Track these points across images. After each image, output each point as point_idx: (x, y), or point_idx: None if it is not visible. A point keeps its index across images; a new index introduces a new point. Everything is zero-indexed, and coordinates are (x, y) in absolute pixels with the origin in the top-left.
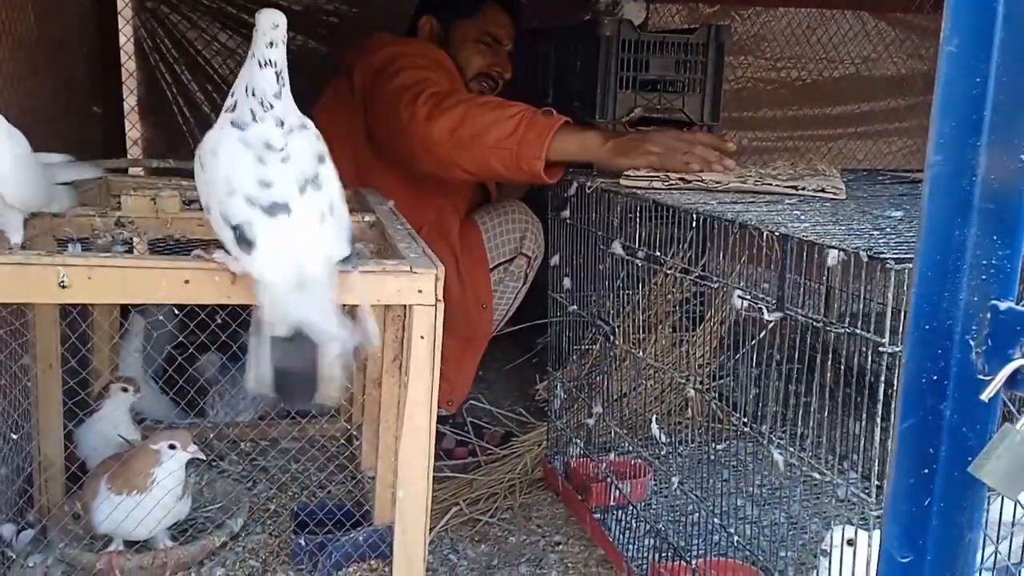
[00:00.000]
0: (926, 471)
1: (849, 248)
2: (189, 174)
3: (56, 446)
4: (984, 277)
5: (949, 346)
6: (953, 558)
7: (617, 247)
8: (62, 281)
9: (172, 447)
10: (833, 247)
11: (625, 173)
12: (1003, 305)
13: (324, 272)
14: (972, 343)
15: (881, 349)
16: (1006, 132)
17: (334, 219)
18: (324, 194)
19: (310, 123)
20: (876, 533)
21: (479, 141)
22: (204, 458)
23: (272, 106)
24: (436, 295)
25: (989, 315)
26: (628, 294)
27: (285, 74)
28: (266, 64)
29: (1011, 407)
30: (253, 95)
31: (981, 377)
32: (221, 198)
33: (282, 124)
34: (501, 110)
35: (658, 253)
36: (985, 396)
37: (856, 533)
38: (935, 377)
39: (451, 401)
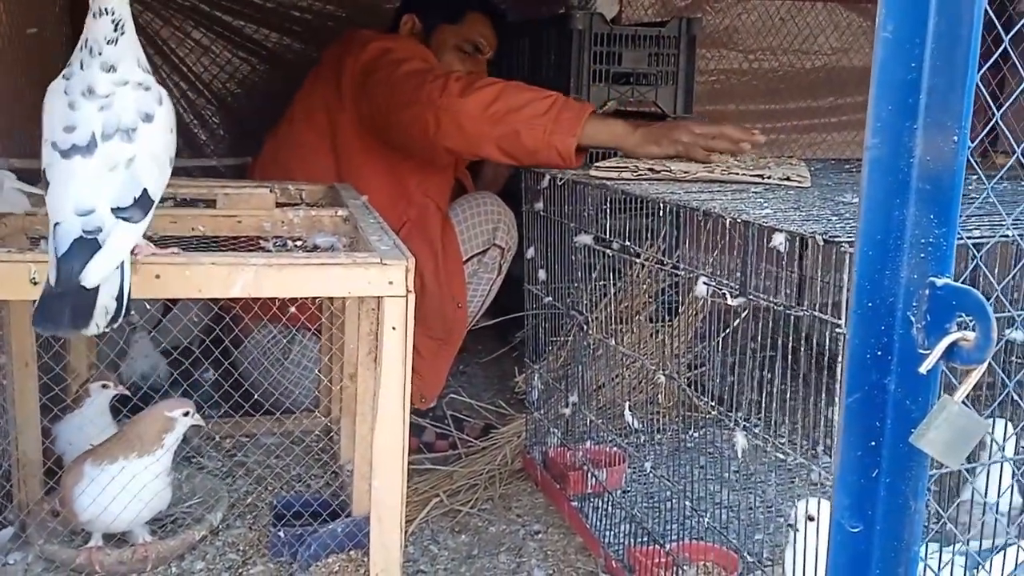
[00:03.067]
0: (872, 443)
1: (806, 232)
2: None
3: (34, 443)
4: (923, 255)
5: (891, 322)
6: (900, 527)
7: (586, 238)
8: (33, 278)
9: (186, 414)
10: (780, 230)
11: (595, 164)
12: (940, 281)
13: (97, 217)
14: (913, 319)
15: (838, 331)
16: (940, 114)
17: (128, 173)
18: (132, 148)
19: (156, 86)
20: None
21: (513, 117)
22: (204, 426)
23: (101, 52)
24: (407, 286)
25: (928, 291)
26: (602, 285)
27: (128, 25)
28: (101, 13)
29: (952, 378)
30: (85, 45)
31: (922, 351)
32: (41, 144)
33: (112, 70)
34: (536, 92)
35: (628, 243)
36: (924, 368)
37: (819, 504)
38: (879, 352)
39: (423, 398)
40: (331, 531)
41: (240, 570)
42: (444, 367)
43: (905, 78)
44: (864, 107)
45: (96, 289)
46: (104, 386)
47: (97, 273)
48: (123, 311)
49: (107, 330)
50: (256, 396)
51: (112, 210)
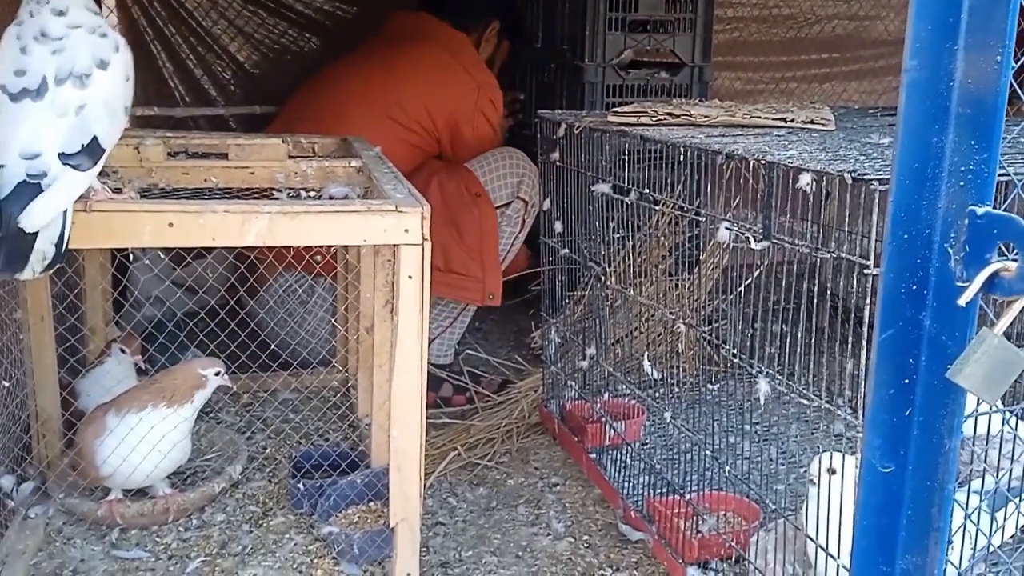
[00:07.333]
0: (906, 381)
1: (834, 171)
2: (175, 122)
3: (52, 397)
4: (962, 183)
5: (928, 255)
6: (934, 466)
7: (603, 187)
8: None
9: (218, 373)
10: (806, 170)
11: (613, 110)
12: (980, 210)
13: (43, 162)
14: (950, 250)
15: (866, 272)
16: (983, 34)
17: (78, 119)
18: (84, 94)
19: (112, 33)
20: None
21: None
22: (232, 387)
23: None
24: (423, 234)
25: (967, 221)
26: (620, 236)
27: None
28: None
29: (988, 311)
30: None
31: (959, 283)
32: None
33: (62, 14)
34: None
35: (647, 190)
36: (963, 301)
37: (844, 459)
38: (914, 287)
39: (491, 295)
40: (350, 482)
41: (260, 521)
42: (494, 261)
43: None
44: (884, 54)
45: (35, 234)
46: (122, 350)
47: (38, 217)
48: (60, 257)
49: (41, 275)
50: (273, 346)
51: (59, 156)
